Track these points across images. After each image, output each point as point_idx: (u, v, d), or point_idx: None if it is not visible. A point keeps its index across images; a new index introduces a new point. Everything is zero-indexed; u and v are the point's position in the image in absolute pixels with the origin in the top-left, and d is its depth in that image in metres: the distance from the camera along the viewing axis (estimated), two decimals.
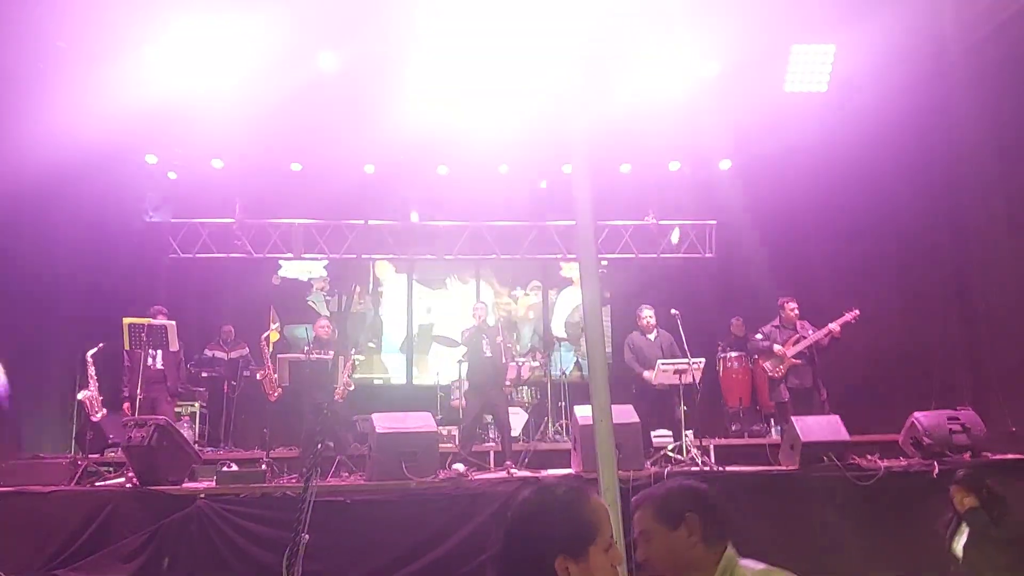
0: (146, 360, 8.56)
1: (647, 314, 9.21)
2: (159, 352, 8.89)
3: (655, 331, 9.13)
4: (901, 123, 9.58)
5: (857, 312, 8.71)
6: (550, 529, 1.96)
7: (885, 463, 7.20)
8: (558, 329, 13.32)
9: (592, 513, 2.02)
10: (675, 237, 12.51)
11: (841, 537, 6.73)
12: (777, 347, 8.85)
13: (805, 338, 8.74)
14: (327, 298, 13.01)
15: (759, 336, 9.20)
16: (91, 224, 10.52)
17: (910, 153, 9.81)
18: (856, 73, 9.27)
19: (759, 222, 11.67)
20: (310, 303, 12.96)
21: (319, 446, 5.39)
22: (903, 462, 7.40)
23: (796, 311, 9.02)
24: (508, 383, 8.75)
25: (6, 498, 6.67)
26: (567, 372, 11.60)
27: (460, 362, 9.97)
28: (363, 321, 12.99)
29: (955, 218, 9.59)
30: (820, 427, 7.40)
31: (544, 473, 7.61)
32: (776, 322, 9.15)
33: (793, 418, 7.67)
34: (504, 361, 8.96)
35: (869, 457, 7.43)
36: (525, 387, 10.95)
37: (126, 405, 8.57)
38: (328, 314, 12.45)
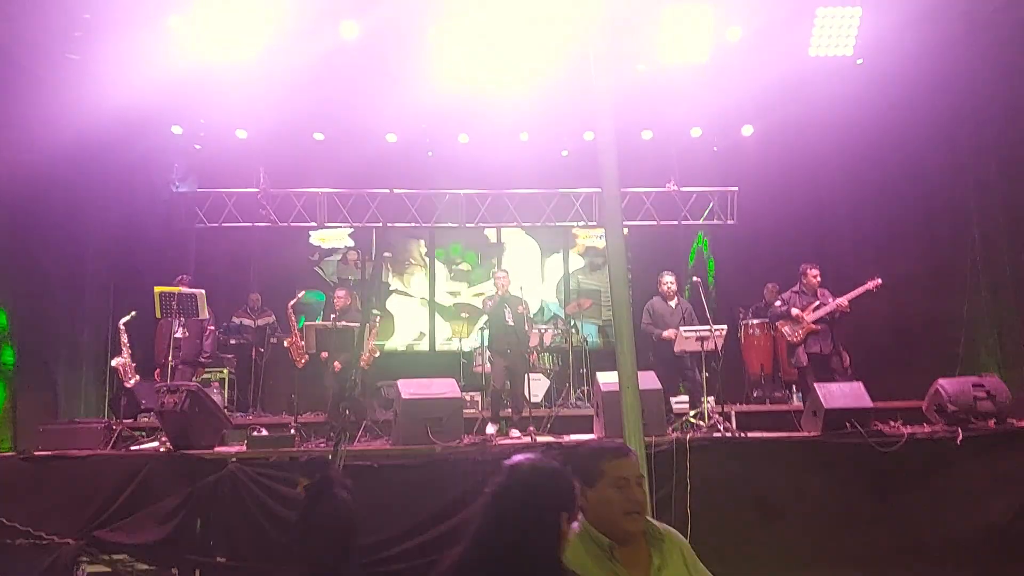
0: (173, 329, 8.74)
1: (668, 280, 9.15)
2: (178, 322, 9.04)
3: (676, 298, 9.11)
4: (927, 86, 9.44)
5: (879, 281, 8.63)
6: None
7: (908, 430, 7.18)
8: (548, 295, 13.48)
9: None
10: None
11: (862, 503, 6.79)
12: (795, 311, 8.85)
13: (825, 305, 8.72)
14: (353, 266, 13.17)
15: (778, 303, 9.19)
16: (120, 194, 10.67)
17: (936, 117, 9.68)
18: (882, 36, 9.13)
19: (782, 189, 11.63)
20: (317, 270, 13.08)
21: (346, 412, 5.50)
22: (927, 429, 7.39)
23: (818, 278, 8.98)
24: (531, 351, 8.81)
25: (45, 461, 6.86)
26: (589, 339, 11.66)
27: (482, 329, 10.06)
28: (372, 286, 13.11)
29: (982, 183, 9.47)
30: (843, 394, 7.39)
31: (567, 438, 7.70)
32: (796, 288, 9.14)
33: (816, 384, 7.65)
34: (527, 329, 9.05)
35: (892, 424, 7.41)
36: (547, 353, 11.04)
37: (156, 372, 8.76)
38: (335, 282, 12.60)
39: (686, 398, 8.63)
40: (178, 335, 8.98)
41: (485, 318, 9.38)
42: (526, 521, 2.22)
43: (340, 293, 9.64)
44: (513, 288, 9.05)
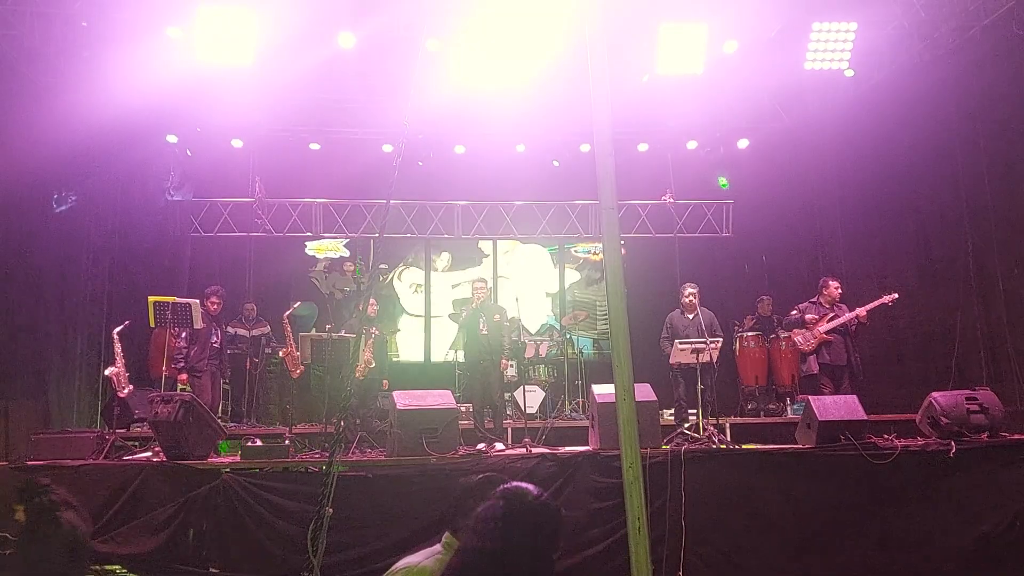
0: (210, 338, 8.90)
1: (689, 292, 8.83)
2: (218, 331, 9.19)
3: (696, 310, 8.76)
4: (921, 100, 9.50)
5: (895, 295, 8.61)
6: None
7: (902, 442, 7.19)
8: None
9: None
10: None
11: (855, 515, 6.80)
12: (809, 315, 8.82)
13: (839, 317, 8.70)
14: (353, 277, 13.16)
15: (794, 312, 9.15)
16: (115, 203, 10.67)
17: (929, 131, 9.73)
18: (877, 51, 9.20)
19: (777, 201, 11.68)
20: (313, 280, 13.06)
21: (342, 422, 5.48)
22: (920, 441, 7.40)
23: (839, 290, 8.93)
24: (504, 361, 8.75)
25: (37, 471, 6.79)
26: (584, 351, 11.65)
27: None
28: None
29: (975, 197, 9.51)
30: (837, 406, 7.39)
31: (562, 450, 7.69)
32: (814, 299, 9.13)
33: (810, 397, 7.66)
34: (516, 339, 8.95)
35: (886, 436, 7.42)
36: (542, 365, 11.02)
37: (183, 377, 8.75)
38: (330, 293, 12.62)
39: (696, 410, 8.55)
40: (215, 343, 9.15)
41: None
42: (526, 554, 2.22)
43: (372, 302, 9.84)
44: (507, 300, 9.01)
